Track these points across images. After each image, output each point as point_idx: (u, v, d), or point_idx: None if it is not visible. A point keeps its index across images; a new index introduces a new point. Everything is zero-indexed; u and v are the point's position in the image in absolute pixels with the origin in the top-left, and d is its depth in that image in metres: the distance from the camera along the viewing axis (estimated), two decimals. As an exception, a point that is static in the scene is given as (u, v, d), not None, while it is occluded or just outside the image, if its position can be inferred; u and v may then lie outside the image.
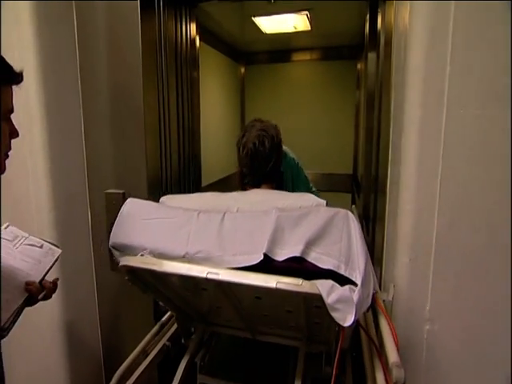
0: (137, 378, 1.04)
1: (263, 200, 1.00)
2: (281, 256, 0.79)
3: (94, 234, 1.54)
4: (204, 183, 2.72)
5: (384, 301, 0.94)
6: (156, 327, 1.24)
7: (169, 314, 1.29)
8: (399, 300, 0.91)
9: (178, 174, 1.69)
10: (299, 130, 3.46)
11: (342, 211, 0.82)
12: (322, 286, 0.72)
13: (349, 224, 0.79)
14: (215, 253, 0.84)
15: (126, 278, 0.95)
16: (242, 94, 3.77)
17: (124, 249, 0.94)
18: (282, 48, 3.42)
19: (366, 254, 0.76)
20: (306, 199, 0.96)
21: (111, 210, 1.50)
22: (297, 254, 0.77)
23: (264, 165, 1.16)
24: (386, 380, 0.81)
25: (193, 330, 1.27)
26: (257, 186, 1.19)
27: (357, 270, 0.75)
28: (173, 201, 1.04)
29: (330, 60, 3.39)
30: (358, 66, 3.25)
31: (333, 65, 3.39)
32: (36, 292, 0.84)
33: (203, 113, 2.66)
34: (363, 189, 2.22)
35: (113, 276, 1.55)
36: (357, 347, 1.08)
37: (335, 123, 3.56)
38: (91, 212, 1.51)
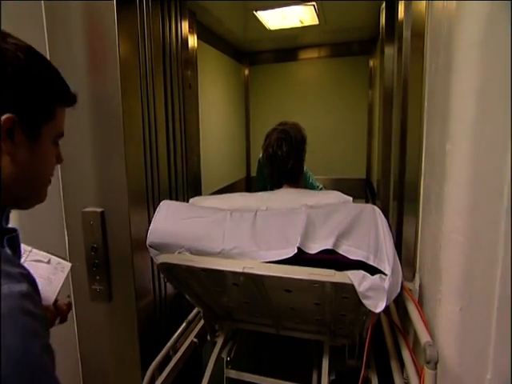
0: (168, 373, 1.13)
1: (291, 199, 1.07)
2: (313, 249, 0.85)
3: (72, 258, 1.33)
4: (206, 193, 2.51)
5: (411, 290, 0.97)
6: (183, 325, 1.31)
7: (194, 312, 1.36)
8: (445, 365, 0.65)
9: (167, 186, 1.48)
10: (308, 132, 3.20)
11: (369, 206, 0.89)
12: (354, 276, 0.78)
13: (376, 218, 0.86)
14: (250, 248, 0.90)
15: (163, 275, 1.04)
16: (246, 96, 3.56)
17: (161, 247, 1.01)
18: (289, 46, 3.26)
19: (393, 245, 0.82)
20: (333, 197, 1.04)
21: (89, 231, 1.29)
22: (329, 246, 0.83)
23: (283, 167, 1.22)
24: (413, 358, 0.87)
25: (216, 327, 1.34)
26: (278, 186, 1.24)
27: (385, 260, 0.80)
28: (204, 201, 1.12)
29: (339, 57, 3.21)
30: (371, 62, 2.99)
31: (343, 62, 3.20)
32: (51, 317, 0.75)
33: (203, 118, 2.48)
34: (380, 196, 2.00)
35: (94, 307, 1.38)
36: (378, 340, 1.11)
37: (346, 124, 3.34)
38: (68, 234, 1.31)
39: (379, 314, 0.80)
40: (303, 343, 1.27)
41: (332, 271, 0.80)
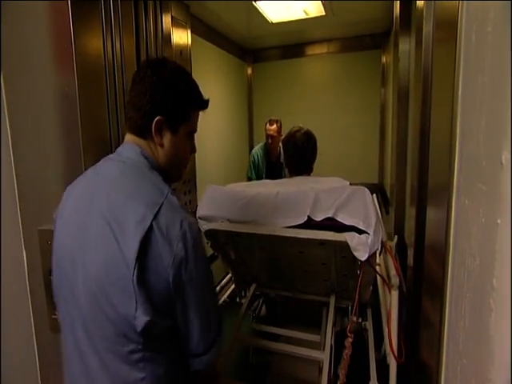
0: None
1: (304, 183, 1.40)
2: (319, 217, 1.18)
3: (32, 282, 1.13)
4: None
5: (390, 246, 1.45)
6: (217, 289, 1.65)
7: (226, 279, 1.70)
8: None
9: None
10: (316, 133, 2.98)
11: (361, 188, 1.20)
12: (348, 236, 1.11)
13: (365, 196, 1.18)
14: (273, 217, 1.24)
15: (207, 242, 1.36)
16: (249, 95, 3.33)
17: (207, 219, 1.33)
18: (295, 41, 3.09)
19: (376, 215, 1.15)
20: (335, 181, 1.40)
21: (46, 251, 1.13)
22: (330, 215, 1.16)
23: (306, 160, 1.52)
24: (389, 289, 1.27)
25: (243, 293, 1.67)
26: (296, 174, 1.53)
27: (370, 225, 1.12)
28: (236, 187, 1.44)
29: (349, 52, 2.96)
30: (384, 58, 2.73)
31: (353, 57, 3.00)
32: None
33: (200, 122, 2.22)
34: (395, 204, 1.77)
35: (55, 339, 1.17)
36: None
37: (357, 125, 3.10)
38: (26, 255, 1.13)
39: (375, 273, 1.23)
40: (314, 304, 1.62)
41: (332, 232, 1.13)
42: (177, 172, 0.90)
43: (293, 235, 1.15)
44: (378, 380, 1.21)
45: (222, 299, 1.60)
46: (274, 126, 2.73)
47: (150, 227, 0.66)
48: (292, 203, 1.22)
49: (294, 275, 1.50)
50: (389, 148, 2.66)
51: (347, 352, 1.20)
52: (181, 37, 2.00)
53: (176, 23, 1.97)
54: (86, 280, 0.70)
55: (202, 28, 2.48)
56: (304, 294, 1.55)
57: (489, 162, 0.50)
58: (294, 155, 1.50)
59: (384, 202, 2.62)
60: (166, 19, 1.55)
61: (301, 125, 1.58)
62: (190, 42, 2.06)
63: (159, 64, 0.81)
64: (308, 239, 1.14)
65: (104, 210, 0.70)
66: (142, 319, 0.66)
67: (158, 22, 1.47)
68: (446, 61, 0.78)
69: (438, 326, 0.75)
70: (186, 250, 0.68)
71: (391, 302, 1.16)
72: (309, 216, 1.17)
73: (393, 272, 1.24)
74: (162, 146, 0.81)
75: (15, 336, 1.20)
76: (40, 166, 1.12)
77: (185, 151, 0.88)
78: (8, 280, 1.17)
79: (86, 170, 1.08)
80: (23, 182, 1.15)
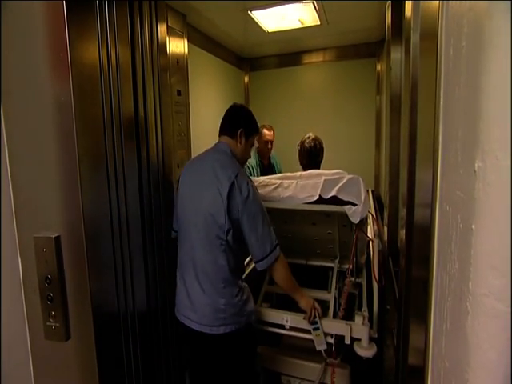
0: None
1: (316, 174, 1.86)
2: (326, 196, 1.66)
3: (27, 289, 1.13)
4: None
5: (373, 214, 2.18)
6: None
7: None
8: None
9: (138, 206, 1.28)
10: (312, 141, 3.02)
11: (355, 176, 1.71)
12: (346, 207, 1.62)
13: (359, 182, 1.68)
14: (295, 196, 1.74)
15: None
16: (246, 104, 3.40)
17: None
18: (291, 50, 3.09)
19: (365, 193, 1.65)
20: (338, 172, 1.82)
21: (42, 259, 1.11)
22: (333, 194, 1.65)
23: (315, 158, 2.06)
24: (372, 246, 1.88)
25: None
26: (310, 169, 2.01)
27: (360, 199, 1.62)
28: (266, 179, 1.93)
29: (345, 60, 2.99)
30: (379, 66, 2.77)
31: (349, 66, 3.04)
32: None
33: (197, 127, 2.27)
34: (388, 211, 1.80)
35: (50, 347, 1.18)
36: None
37: (353, 132, 3.12)
38: (22, 262, 1.13)
39: (367, 239, 1.81)
40: (322, 270, 2.13)
41: (335, 206, 1.62)
42: (243, 161, 1.57)
43: (309, 208, 1.70)
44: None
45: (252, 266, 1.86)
46: (272, 131, 2.89)
47: (233, 182, 1.31)
48: (308, 187, 1.72)
49: (307, 244, 2.04)
50: (383, 155, 2.69)
51: (347, 288, 1.75)
52: (177, 46, 2.04)
53: (172, 33, 2.00)
54: (200, 205, 1.36)
55: (198, 37, 2.52)
56: (314, 260, 2.11)
57: (465, 171, 0.52)
58: (306, 156, 2.04)
59: (380, 208, 2.64)
60: (162, 29, 1.58)
61: (310, 133, 2.09)
62: (186, 51, 2.10)
63: (242, 106, 1.67)
64: (319, 211, 1.69)
65: (212, 172, 1.37)
66: (227, 226, 1.31)
67: (153, 31, 1.51)
68: (430, 72, 0.81)
69: (425, 330, 0.76)
70: (248, 195, 1.32)
71: (373, 247, 1.74)
72: (320, 195, 1.65)
73: (373, 232, 1.87)
74: (240, 143, 1.49)
75: (9, 343, 1.22)
76: (36, 175, 1.13)
77: (248, 153, 1.59)
78: (3, 287, 1.17)
79: (81, 178, 1.11)
80: (19, 190, 1.16)
